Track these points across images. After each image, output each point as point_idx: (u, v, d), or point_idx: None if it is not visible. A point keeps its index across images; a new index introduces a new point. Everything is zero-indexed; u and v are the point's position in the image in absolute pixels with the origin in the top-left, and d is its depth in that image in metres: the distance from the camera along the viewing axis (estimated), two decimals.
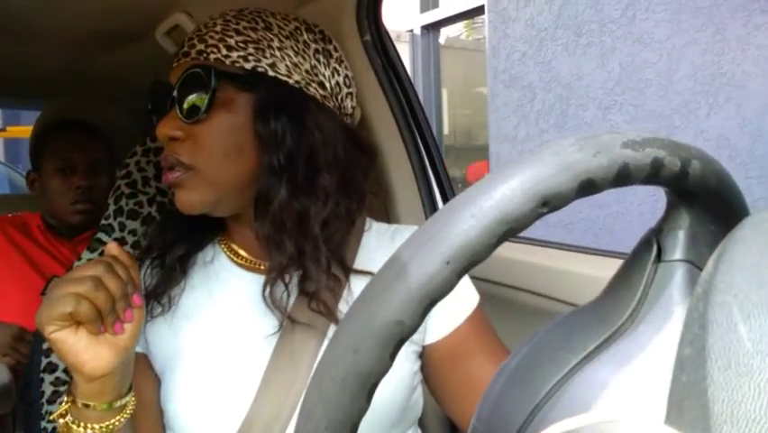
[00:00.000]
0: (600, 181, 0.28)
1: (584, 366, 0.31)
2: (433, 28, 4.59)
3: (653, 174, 0.30)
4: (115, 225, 1.02)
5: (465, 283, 0.75)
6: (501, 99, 3.73)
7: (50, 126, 1.48)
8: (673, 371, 0.26)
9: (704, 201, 0.32)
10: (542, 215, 0.28)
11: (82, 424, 0.62)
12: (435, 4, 4.54)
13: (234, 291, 0.74)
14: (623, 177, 0.29)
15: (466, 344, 0.73)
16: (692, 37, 2.77)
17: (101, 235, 1.02)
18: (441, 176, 1.20)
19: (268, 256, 0.71)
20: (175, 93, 0.69)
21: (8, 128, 6.01)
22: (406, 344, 0.73)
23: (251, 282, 0.74)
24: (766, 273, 0.24)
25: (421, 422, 0.80)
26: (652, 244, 0.34)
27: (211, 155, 0.69)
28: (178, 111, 0.69)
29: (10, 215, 1.52)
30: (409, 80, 1.18)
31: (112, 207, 1.02)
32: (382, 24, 1.14)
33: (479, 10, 4.05)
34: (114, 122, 1.56)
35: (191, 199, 0.70)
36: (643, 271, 0.33)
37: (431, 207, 1.17)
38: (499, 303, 0.97)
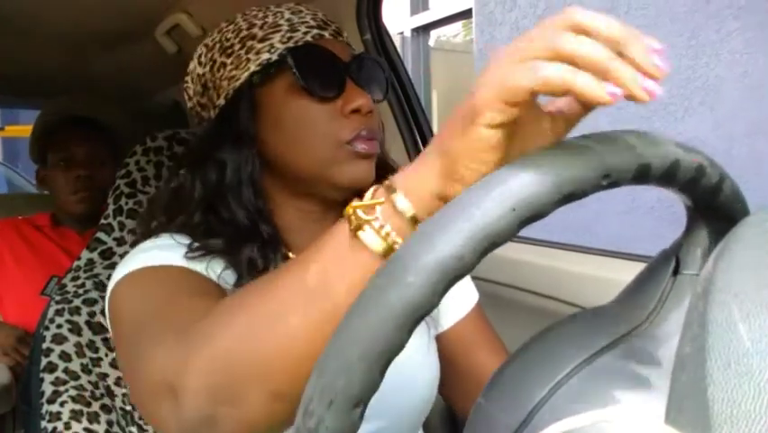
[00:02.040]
0: (654, 171, 0.29)
1: (594, 361, 0.32)
2: (423, 30, 4.59)
3: (694, 180, 0.31)
4: (115, 224, 1.01)
5: (466, 279, 0.76)
6: None
7: (56, 123, 1.49)
8: (673, 370, 0.26)
9: (722, 221, 0.33)
10: (602, 187, 0.29)
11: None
12: (426, 7, 4.53)
13: None
14: (671, 173, 0.30)
15: (472, 333, 0.77)
16: (669, 42, 2.80)
17: (101, 235, 1.02)
18: None
19: None
20: (354, 71, 0.70)
21: (7, 127, 5.98)
22: (427, 337, 0.73)
23: None
24: (766, 273, 0.24)
25: (424, 422, 0.80)
26: (671, 258, 0.35)
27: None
28: (366, 88, 0.70)
29: (20, 217, 1.56)
30: (409, 80, 1.18)
31: (111, 207, 1.02)
32: (382, 24, 1.14)
33: (467, 13, 4.05)
34: (117, 119, 1.57)
35: (372, 172, 0.69)
36: (661, 281, 0.34)
37: None
38: (501, 303, 0.97)
